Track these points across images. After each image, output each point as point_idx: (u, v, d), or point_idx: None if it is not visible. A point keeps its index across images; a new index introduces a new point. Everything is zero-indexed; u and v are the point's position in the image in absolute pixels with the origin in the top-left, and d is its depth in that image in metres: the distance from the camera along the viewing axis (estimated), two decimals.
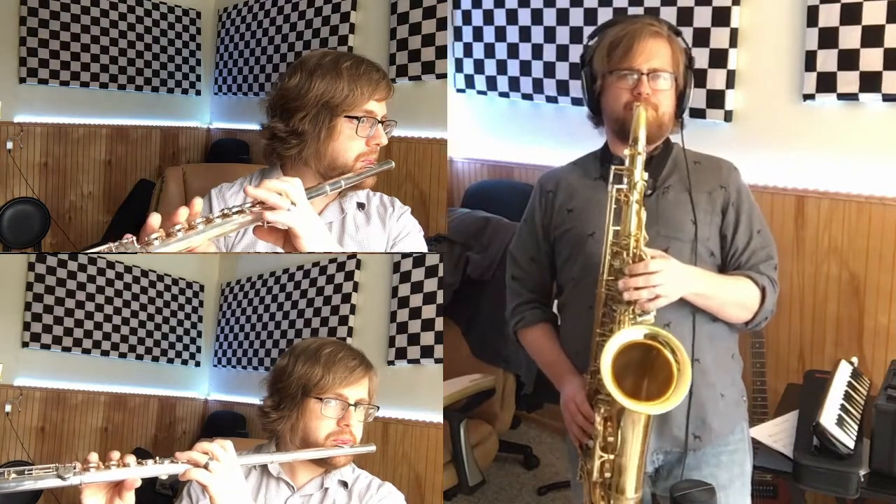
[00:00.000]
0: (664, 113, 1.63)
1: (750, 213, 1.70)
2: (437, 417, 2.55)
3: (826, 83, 2.55)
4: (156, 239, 1.17)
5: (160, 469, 1.21)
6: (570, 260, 1.74)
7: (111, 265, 3.43)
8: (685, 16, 2.82)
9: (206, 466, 1.23)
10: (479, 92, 3.76)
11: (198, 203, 1.25)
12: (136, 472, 1.18)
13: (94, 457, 1.16)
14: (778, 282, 1.69)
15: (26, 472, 1.09)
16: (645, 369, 1.50)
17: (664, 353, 1.45)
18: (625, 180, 1.52)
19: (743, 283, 1.64)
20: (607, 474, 1.55)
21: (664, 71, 1.62)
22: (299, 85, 1.59)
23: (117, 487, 1.19)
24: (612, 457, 1.54)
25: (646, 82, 1.60)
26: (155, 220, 1.19)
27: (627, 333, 1.47)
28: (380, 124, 1.63)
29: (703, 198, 1.67)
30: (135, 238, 1.17)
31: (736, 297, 1.63)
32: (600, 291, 1.55)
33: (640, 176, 1.51)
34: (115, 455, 1.18)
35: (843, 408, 2.09)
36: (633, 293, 1.47)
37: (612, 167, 1.55)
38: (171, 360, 3.66)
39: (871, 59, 2.44)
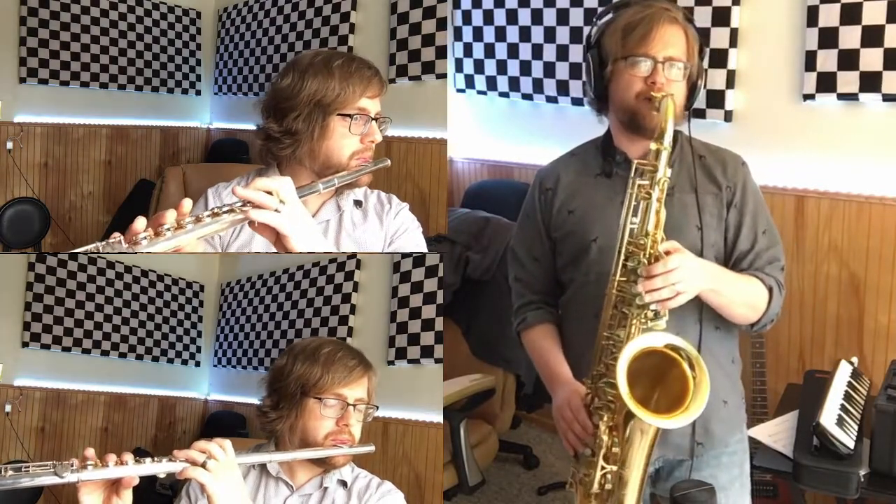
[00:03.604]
0: (676, 105, 1.52)
1: (755, 212, 1.63)
2: (437, 417, 2.55)
3: (826, 83, 2.55)
4: (144, 238, 1.16)
5: (158, 467, 1.21)
6: (571, 264, 1.68)
7: (111, 265, 3.43)
8: None
9: (203, 465, 1.23)
10: (479, 92, 3.76)
11: (186, 204, 1.23)
12: (133, 470, 1.17)
13: (90, 452, 1.15)
14: (784, 284, 1.63)
15: (23, 470, 1.09)
16: (655, 380, 1.41)
17: (682, 366, 1.36)
18: (646, 175, 1.43)
19: (752, 282, 1.58)
20: (608, 486, 1.47)
21: (679, 60, 1.54)
22: (291, 85, 1.59)
23: (115, 486, 1.18)
24: (615, 468, 1.45)
25: (661, 71, 1.52)
26: (140, 223, 1.18)
27: (646, 339, 1.38)
28: (373, 121, 1.63)
29: (709, 199, 1.60)
30: (122, 237, 1.16)
31: (745, 296, 1.57)
32: (611, 292, 1.46)
33: (664, 173, 1.42)
34: (113, 457, 1.17)
35: (843, 408, 2.09)
36: (654, 294, 1.39)
37: (636, 161, 1.45)
38: (171, 360, 3.65)
39: (871, 59, 2.44)
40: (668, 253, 1.42)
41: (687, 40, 1.56)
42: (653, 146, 1.44)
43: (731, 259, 1.63)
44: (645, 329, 1.43)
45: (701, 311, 1.57)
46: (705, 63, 1.64)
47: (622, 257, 1.45)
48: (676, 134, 1.64)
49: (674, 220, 1.57)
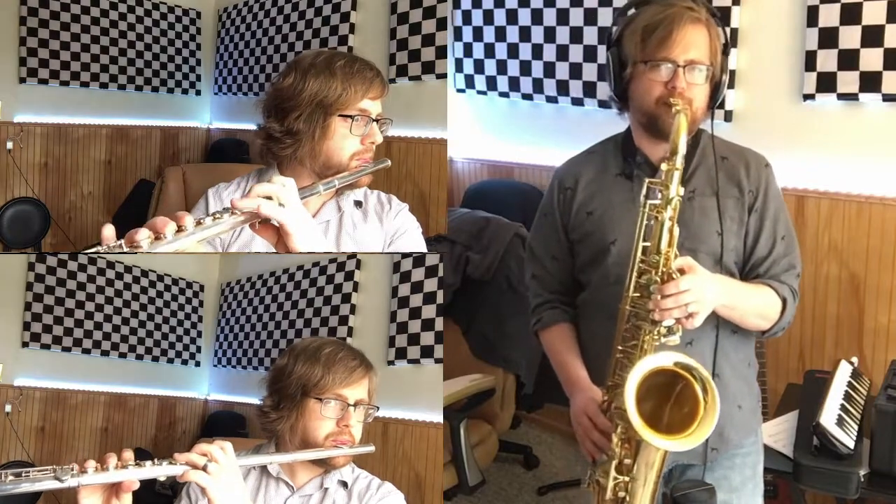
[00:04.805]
0: (697, 108, 1.52)
1: (775, 217, 1.60)
2: (437, 417, 2.55)
3: (826, 83, 2.55)
4: (144, 242, 1.16)
5: (158, 471, 1.21)
6: (589, 265, 1.66)
7: (111, 265, 3.43)
8: None
9: (204, 468, 1.23)
10: (479, 92, 3.76)
11: (187, 219, 1.22)
12: (133, 473, 1.17)
13: (91, 464, 1.15)
14: (798, 291, 1.61)
15: (24, 475, 1.09)
16: (668, 394, 1.41)
17: (693, 386, 1.35)
18: (659, 194, 1.40)
19: (765, 292, 1.56)
20: (620, 493, 1.48)
21: (701, 63, 1.49)
22: (293, 85, 1.59)
23: (115, 489, 1.18)
24: (626, 478, 1.46)
25: (682, 76, 1.48)
26: (141, 234, 1.17)
27: (656, 359, 1.37)
28: (374, 122, 1.63)
29: (730, 203, 1.57)
30: (122, 242, 1.16)
31: (758, 308, 1.56)
32: (624, 308, 1.45)
33: (676, 192, 1.39)
34: (113, 458, 1.17)
35: (843, 408, 2.09)
36: (665, 314, 1.38)
37: (647, 181, 1.43)
38: (171, 360, 3.65)
39: (871, 59, 2.44)
40: (681, 271, 1.40)
41: (710, 40, 1.51)
42: (664, 167, 1.41)
43: (747, 264, 1.61)
44: (659, 346, 1.41)
45: (717, 316, 1.55)
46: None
47: (635, 274, 1.44)
48: (699, 133, 1.62)
49: (694, 224, 1.55)
